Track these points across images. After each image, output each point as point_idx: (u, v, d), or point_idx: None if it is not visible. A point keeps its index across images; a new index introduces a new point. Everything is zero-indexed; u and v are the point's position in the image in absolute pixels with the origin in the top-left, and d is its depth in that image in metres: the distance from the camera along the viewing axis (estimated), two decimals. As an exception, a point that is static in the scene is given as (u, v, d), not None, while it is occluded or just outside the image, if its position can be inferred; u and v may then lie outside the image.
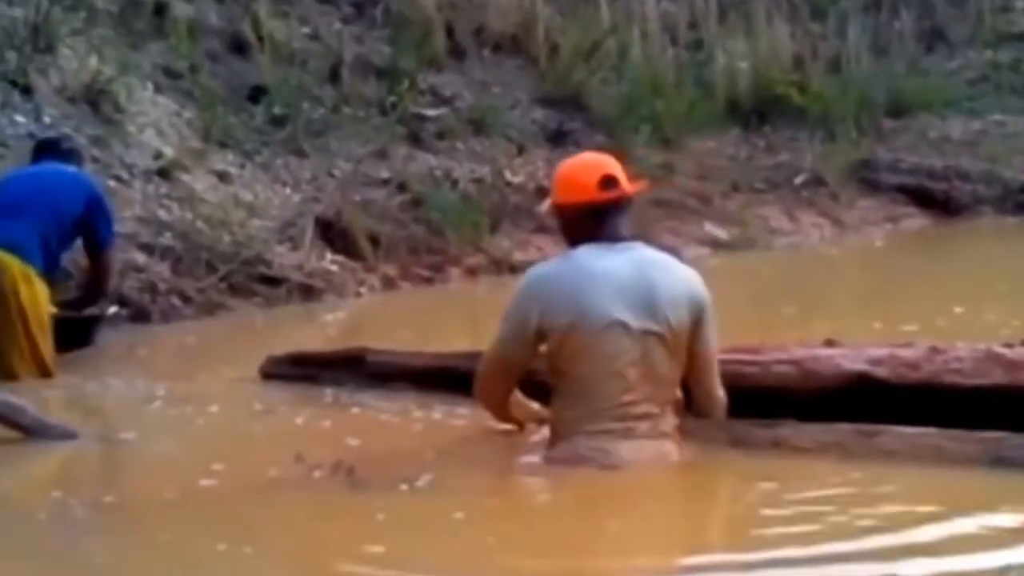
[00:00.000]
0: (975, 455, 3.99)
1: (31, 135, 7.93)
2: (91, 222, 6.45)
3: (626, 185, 4.14)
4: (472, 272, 9.07)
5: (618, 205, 4.11)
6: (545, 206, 4.39)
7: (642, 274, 4.02)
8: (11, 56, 8.40)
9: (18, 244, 6.10)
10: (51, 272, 6.28)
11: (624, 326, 3.94)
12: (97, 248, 6.59)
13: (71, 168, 6.65)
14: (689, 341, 4.06)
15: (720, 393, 4.21)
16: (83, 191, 6.47)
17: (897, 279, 8.80)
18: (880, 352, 4.44)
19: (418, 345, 5.88)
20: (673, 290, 4.03)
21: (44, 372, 6.06)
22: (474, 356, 5.19)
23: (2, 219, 6.20)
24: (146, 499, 4.00)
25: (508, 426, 4.47)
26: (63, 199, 6.36)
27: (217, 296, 7.87)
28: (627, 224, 4.13)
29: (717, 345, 4.18)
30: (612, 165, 4.18)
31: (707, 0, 12.86)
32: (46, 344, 6.12)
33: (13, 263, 6.08)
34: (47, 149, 6.79)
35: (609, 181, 4.09)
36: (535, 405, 4.40)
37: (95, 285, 6.76)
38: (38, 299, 6.14)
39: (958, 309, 6.86)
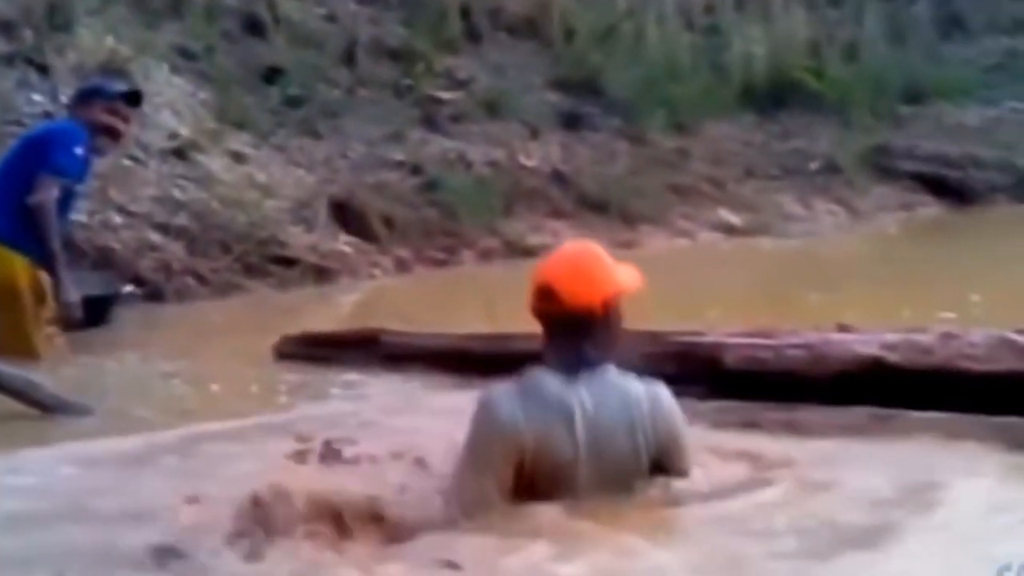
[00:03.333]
0: (988, 440, 3.99)
1: (47, 114, 7.96)
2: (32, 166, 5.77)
3: (570, 300, 3.37)
4: (486, 255, 9.08)
5: (573, 322, 3.39)
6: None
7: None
8: (28, 34, 8.43)
9: None
10: (25, 240, 5.78)
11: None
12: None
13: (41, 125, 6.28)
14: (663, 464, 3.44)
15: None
16: (26, 141, 5.96)
17: (911, 267, 8.77)
18: (894, 337, 4.44)
19: (432, 328, 5.88)
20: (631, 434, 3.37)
21: (23, 350, 5.64)
22: (488, 338, 5.23)
23: None
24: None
25: None
26: (13, 159, 5.91)
27: (231, 277, 7.90)
28: (601, 344, 3.41)
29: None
30: (569, 269, 3.42)
31: (724, -15, 12.85)
32: (20, 319, 5.76)
33: None
34: None
35: (547, 293, 3.39)
36: None
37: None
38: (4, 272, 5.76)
39: (975, 297, 6.84)
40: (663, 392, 3.46)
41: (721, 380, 4.57)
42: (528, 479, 3.32)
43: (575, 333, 3.39)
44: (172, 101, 8.90)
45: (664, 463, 3.43)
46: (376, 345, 5.59)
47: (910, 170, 11.68)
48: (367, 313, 7.63)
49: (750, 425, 4.28)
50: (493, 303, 7.82)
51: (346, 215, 8.78)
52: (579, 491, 3.32)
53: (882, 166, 11.68)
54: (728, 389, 4.52)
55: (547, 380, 3.37)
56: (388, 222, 8.86)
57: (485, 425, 3.33)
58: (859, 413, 4.20)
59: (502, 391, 3.39)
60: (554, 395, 3.35)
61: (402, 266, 8.70)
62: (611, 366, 3.43)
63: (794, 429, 4.20)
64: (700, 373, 4.61)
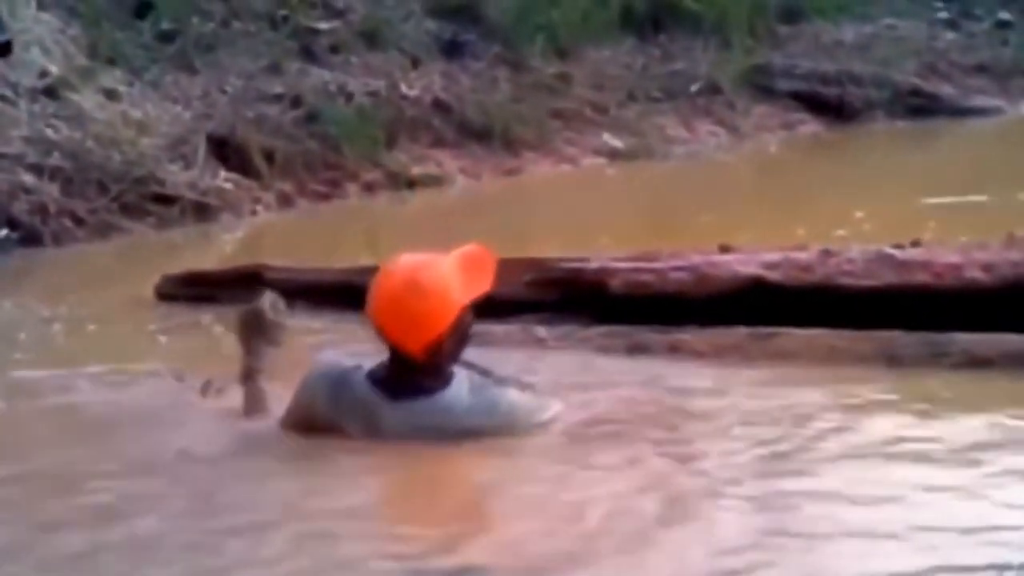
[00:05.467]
0: (869, 354, 4.06)
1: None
2: None
3: (396, 344, 3.43)
4: (370, 187, 8.99)
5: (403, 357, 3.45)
6: None
7: None
8: None
9: None
10: None
11: None
12: None
13: None
14: None
15: None
16: None
17: (796, 186, 8.87)
18: (774, 256, 4.50)
19: (317, 262, 5.83)
20: None
21: None
22: (372, 271, 5.18)
23: None
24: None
25: None
26: None
27: (110, 217, 7.74)
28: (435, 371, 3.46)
29: None
30: (394, 311, 3.42)
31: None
32: None
33: None
34: None
35: (375, 328, 3.49)
36: None
37: None
38: None
39: (858, 213, 6.93)
40: (500, 408, 3.47)
41: (607, 305, 4.59)
42: None
43: (406, 363, 3.44)
44: (41, 38, 8.65)
45: None
46: (259, 282, 5.52)
47: (789, 89, 11.77)
48: (250, 250, 7.53)
49: (636, 349, 4.32)
50: (377, 236, 7.78)
51: (226, 151, 8.63)
52: None
53: (762, 86, 11.75)
54: (614, 314, 4.55)
55: (362, 390, 3.46)
56: (269, 156, 8.72)
57: (298, 386, 3.57)
58: (742, 332, 4.26)
59: (323, 373, 3.55)
60: (361, 406, 3.45)
61: (285, 201, 8.58)
62: (445, 391, 3.43)
63: (679, 351, 4.25)
64: (586, 299, 4.64)
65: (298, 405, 3.58)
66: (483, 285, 3.49)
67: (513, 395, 3.51)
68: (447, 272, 3.43)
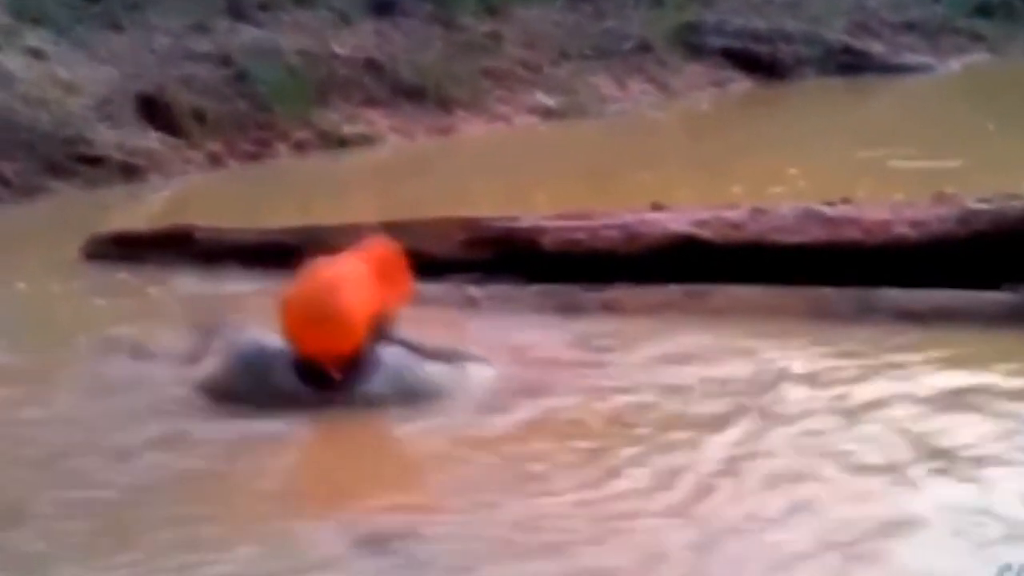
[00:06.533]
0: (799, 310, 4.09)
1: None
2: None
3: (310, 353, 3.50)
4: (300, 147, 8.90)
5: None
6: None
7: None
8: None
9: None
10: None
11: None
12: None
13: None
14: None
15: None
16: None
17: (726, 142, 8.89)
18: (705, 214, 4.51)
19: (247, 223, 5.78)
20: None
21: None
22: (302, 231, 5.15)
23: None
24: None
25: None
26: None
27: (36, 178, 7.61)
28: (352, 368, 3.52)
29: None
30: (306, 321, 3.48)
31: None
32: None
33: None
34: None
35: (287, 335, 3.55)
36: None
37: None
38: None
39: (792, 170, 6.96)
40: (417, 394, 3.50)
41: (539, 264, 4.59)
42: None
43: (320, 367, 3.46)
44: (-37, -2, 8.51)
45: None
46: (190, 242, 5.48)
47: (721, 46, 11.78)
48: (180, 210, 7.42)
49: (569, 308, 4.32)
50: (308, 195, 7.72)
51: (154, 110, 8.50)
52: None
53: (693, 43, 11.75)
54: (547, 272, 4.55)
55: (285, 379, 3.48)
56: (198, 116, 8.61)
57: (220, 362, 3.63)
58: (675, 290, 4.27)
59: (246, 356, 3.57)
60: (284, 393, 3.47)
61: (215, 161, 8.48)
62: (364, 384, 3.47)
63: (611, 310, 4.25)
64: (518, 258, 4.63)
65: (220, 379, 3.60)
66: (399, 286, 3.57)
67: (433, 377, 3.54)
68: (359, 288, 3.47)
